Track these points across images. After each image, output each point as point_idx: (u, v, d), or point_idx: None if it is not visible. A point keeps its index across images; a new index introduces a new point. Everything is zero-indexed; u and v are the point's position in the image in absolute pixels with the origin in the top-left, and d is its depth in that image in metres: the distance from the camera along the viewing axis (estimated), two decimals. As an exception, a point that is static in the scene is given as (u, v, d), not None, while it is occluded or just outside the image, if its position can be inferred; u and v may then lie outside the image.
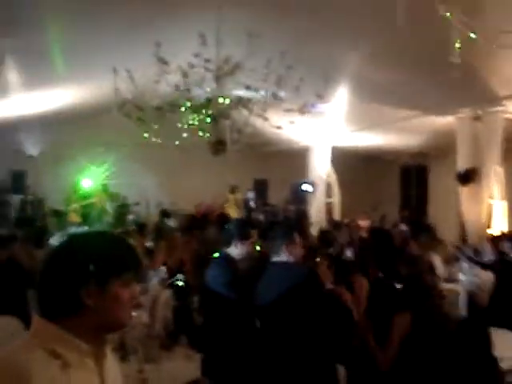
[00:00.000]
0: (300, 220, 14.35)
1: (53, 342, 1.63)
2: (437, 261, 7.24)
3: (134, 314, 3.83)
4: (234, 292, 4.21)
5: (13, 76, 9.37)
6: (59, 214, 14.44)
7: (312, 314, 3.86)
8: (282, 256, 4.15)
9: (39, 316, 1.68)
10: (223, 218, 9.21)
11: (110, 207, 15.93)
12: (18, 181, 16.43)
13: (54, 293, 1.67)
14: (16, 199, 15.69)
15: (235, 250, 4.48)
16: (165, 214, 13.17)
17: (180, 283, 4.54)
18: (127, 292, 1.72)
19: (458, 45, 3.03)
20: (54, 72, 9.30)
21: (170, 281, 4.65)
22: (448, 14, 3.09)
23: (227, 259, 4.47)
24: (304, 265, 4.26)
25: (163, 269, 4.85)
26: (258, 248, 5.46)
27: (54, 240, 1.75)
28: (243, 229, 4.59)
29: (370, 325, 4.19)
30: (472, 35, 3.00)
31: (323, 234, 8.22)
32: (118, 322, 1.75)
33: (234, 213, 16.32)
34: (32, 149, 16.20)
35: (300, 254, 4.22)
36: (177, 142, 7.99)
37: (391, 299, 4.19)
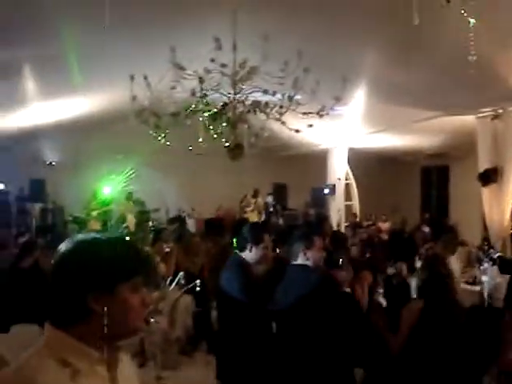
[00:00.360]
0: (321, 224, 14.28)
1: (62, 351, 1.60)
2: (454, 263, 7.14)
3: (152, 319, 3.84)
4: (247, 296, 4.19)
5: (30, 85, 9.46)
6: (79, 221, 14.55)
7: (328, 318, 3.83)
8: (300, 260, 4.16)
9: (49, 324, 1.66)
10: (242, 224, 9.16)
11: (131, 214, 15.94)
12: (37, 189, 16.57)
13: (61, 300, 1.64)
14: (36, 207, 15.82)
15: (249, 254, 4.46)
16: (177, 219, 13.10)
17: (198, 289, 4.51)
18: (137, 297, 1.69)
19: (472, 43, 2.98)
20: (71, 80, 9.37)
21: (188, 286, 4.62)
22: (463, 12, 3.03)
23: (241, 263, 4.45)
24: (320, 268, 4.23)
25: (182, 274, 4.81)
26: (275, 252, 5.44)
27: (62, 246, 1.74)
28: (257, 233, 4.56)
29: (382, 313, 4.29)
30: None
31: (335, 234, 8.16)
32: (129, 329, 1.71)
33: (255, 217, 16.33)
34: (51, 157, 16.34)
35: (319, 257, 4.21)
36: (190, 148, 7.95)
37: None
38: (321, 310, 3.84)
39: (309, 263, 4.13)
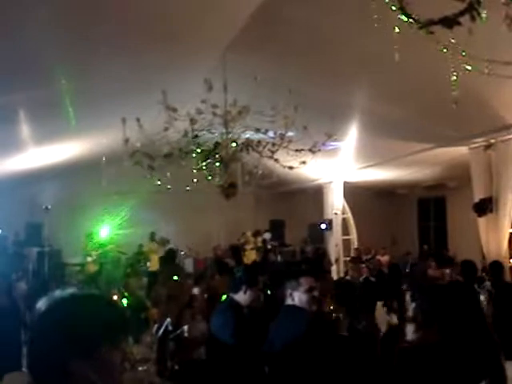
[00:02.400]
0: (319, 260, 14.23)
1: None
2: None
3: (140, 368, 3.78)
4: (239, 340, 4.10)
5: (25, 129, 9.51)
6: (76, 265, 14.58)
7: (318, 361, 3.72)
8: (289, 301, 4.05)
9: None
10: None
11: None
12: (34, 233, 16.52)
13: (39, 363, 1.60)
14: (33, 251, 15.74)
15: (243, 296, 4.39)
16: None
17: (186, 335, 4.44)
18: (118, 354, 1.65)
19: (454, 77, 3.01)
20: (65, 123, 9.41)
21: (176, 332, 4.54)
22: (444, 49, 3.06)
23: (233, 306, 4.38)
24: (310, 309, 4.10)
25: (169, 321, 4.74)
26: (268, 293, 5.38)
27: (41, 304, 1.69)
28: (252, 275, 4.51)
29: None
30: (468, 67, 2.97)
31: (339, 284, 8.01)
32: None
33: (253, 256, 16.25)
34: (47, 201, 16.31)
35: (307, 298, 4.05)
36: (187, 188, 7.97)
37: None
38: (310, 353, 3.73)
39: (298, 304, 4.01)
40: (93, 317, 1.63)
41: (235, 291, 4.45)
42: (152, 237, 16.84)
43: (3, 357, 5.88)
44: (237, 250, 12.43)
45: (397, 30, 3.13)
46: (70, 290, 1.71)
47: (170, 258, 12.36)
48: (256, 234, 17.54)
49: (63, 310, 1.63)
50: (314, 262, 7.77)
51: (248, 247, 16.86)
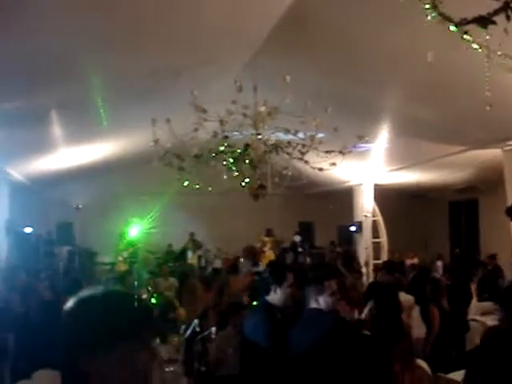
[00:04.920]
0: (348, 262, 14.09)
1: None
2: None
3: (167, 369, 3.77)
4: (273, 343, 4.03)
5: (57, 131, 9.63)
6: (107, 264, 14.76)
7: (344, 363, 3.64)
8: (313, 304, 3.99)
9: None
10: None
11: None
12: (64, 232, 16.76)
13: (66, 360, 1.60)
14: (64, 250, 15.97)
15: (275, 297, 4.34)
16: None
17: (213, 336, 4.42)
18: (143, 354, 1.63)
19: (487, 78, 2.94)
20: (96, 125, 9.51)
21: (204, 334, 4.52)
22: (479, 49, 2.99)
23: (267, 308, 4.33)
24: (335, 312, 4.02)
25: (197, 322, 4.72)
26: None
27: (68, 303, 1.69)
28: (278, 272, 4.44)
29: None
30: (502, 68, 2.90)
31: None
32: None
33: (272, 256, 16.27)
34: (77, 200, 16.54)
35: (332, 302, 3.98)
36: (209, 188, 7.95)
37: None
38: (335, 356, 3.67)
39: (321, 307, 3.94)
40: (119, 314, 1.63)
41: (267, 293, 4.40)
42: (191, 237, 17.62)
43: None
44: (252, 251, 12.63)
45: (429, 29, 3.07)
46: (97, 288, 1.71)
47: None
48: (268, 233, 17.61)
49: (89, 308, 1.63)
50: (330, 268, 7.61)
51: (265, 249, 16.89)
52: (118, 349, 1.58)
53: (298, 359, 3.83)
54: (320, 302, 3.92)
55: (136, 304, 1.75)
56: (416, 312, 7.62)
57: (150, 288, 8.25)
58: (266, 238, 17.38)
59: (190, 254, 17.56)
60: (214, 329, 4.49)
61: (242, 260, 12.28)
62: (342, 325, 3.92)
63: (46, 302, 6.93)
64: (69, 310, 1.63)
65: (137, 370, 1.62)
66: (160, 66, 7.63)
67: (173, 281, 9.72)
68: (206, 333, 4.48)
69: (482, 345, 3.90)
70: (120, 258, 15.35)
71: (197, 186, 8.07)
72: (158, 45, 7.01)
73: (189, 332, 4.59)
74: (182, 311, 6.68)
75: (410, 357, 4.73)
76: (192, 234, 17.77)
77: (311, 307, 3.99)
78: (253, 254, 12.71)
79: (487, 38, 2.95)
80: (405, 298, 7.71)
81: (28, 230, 14.86)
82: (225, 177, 7.63)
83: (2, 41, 5.46)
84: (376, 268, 12.19)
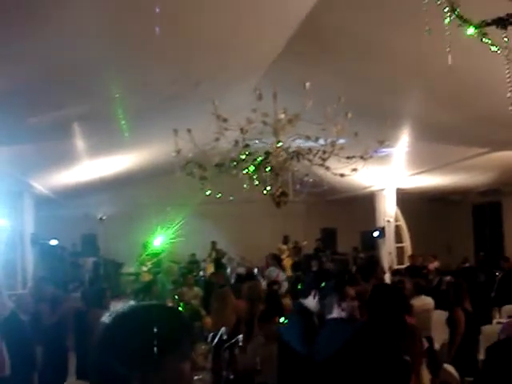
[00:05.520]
0: (372, 268, 14.01)
1: None
2: None
3: (196, 377, 3.79)
4: (305, 346, 4.05)
5: (80, 143, 9.75)
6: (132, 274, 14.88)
7: (366, 371, 3.63)
8: (335, 313, 4.01)
9: None
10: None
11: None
12: (89, 243, 16.94)
13: (105, 377, 1.57)
14: (89, 261, 16.13)
15: (312, 301, 4.38)
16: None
17: (240, 344, 4.44)
18: (186, 365, 1.62)
19: (508, 79, 2.93)
20: (118, 136, 9.61)
21: (231, 341, 4.53)
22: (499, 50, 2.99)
23: (301, 311, 4.37)
24: (356, 318, 4.04)
25: (224, 329, 4.74)
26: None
27: (105, 319, 1.70)
28: (320, 279, 4.48)
29: None
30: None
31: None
32: None
33: (290, 262, 16.26)
34: (101, 212, 16.71)
35: (353, 308, 4.00)
36: (231, 198, 8.00)
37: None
38: (356, 364, 3.65)
39: (342, 315, 3.97)
40: (160, 327, 1.60)
41: (305, 296, 4.44)
42: (213, 246, 17.62)
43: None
44: (277, 258, 12.91)
45: (449, 32, 3.08)
46: (134, 303, 1.70)
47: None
48: (285, 240, 17.62)
49: (128, 322, 1.62)
50: (350, 275, 7.56)
51: (284, 256, 16.90)
52: (164, 361, 1.56)
53: (321, 365, 3.85)
54: (344, 308, 3.95)
55: (174, 315, 1.76)
56: (437, 315, 7.58)
57: (175, 297, 8.30)
58: (284, 246, 17.41)
59: (203, 264, 17.32)
60: (241, 336, 4.51)
61: (271, 268, 12.39)
62: (364, 333, 3.93)
63: (80, 313, 7.04)
64: (107, 325, 1.62)
65: (182, 381, 1.62)
66: (180, 76, 7.69)
67: (197, 290, 9.77)
68: (233, 340, 4.49)
69: (496, 347, 3.88)
70: (144, 268, 15.44)
71: (219, 195, 8.13)
72: (179, 55, 7.09)
73: (216, 340, 4.62)
74: (208, 320, 6.70)
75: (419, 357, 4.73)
76: (214, 243, 17.76)
77: (331, 317, 4.01)
78: (279, 261, 12.80)
79: (506, 39, 2.95)
80: (423, 301, 7.69)
81: (53, 242, 15.04)
82: (245, 185, 7.67)
83: (29, 57, 5.56)
84: (393, 272, 12.11)
